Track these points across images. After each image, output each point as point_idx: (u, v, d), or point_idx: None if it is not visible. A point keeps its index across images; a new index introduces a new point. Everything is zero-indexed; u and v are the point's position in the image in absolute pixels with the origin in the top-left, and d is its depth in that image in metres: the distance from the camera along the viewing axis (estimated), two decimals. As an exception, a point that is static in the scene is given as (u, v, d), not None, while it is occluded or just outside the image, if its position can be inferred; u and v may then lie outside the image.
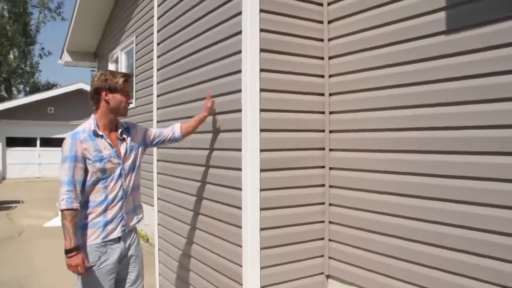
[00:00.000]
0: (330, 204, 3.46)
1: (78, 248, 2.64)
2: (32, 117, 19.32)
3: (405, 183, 2.88)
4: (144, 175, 6.81)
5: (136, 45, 7.81)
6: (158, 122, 4.71)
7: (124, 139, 2.99)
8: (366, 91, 3.18)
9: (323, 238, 3.49)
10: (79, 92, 19.14)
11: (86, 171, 2.75)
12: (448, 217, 2.61)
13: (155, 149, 4.81)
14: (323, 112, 3.48)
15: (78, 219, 2.71)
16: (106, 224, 2.82)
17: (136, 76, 7.71)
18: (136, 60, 7.78)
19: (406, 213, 2.88)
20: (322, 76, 3.47)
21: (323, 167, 3.48)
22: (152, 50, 6.43)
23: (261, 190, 3.14)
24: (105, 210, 2.82)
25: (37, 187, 16.63)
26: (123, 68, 8.86)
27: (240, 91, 3.17)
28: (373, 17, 3.11)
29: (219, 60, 3.48)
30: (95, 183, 2.79)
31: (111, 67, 9.62)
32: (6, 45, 28.56)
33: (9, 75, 29.34)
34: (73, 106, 19.10)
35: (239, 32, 3.19)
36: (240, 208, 3.17)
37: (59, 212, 2.67)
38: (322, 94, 3.47)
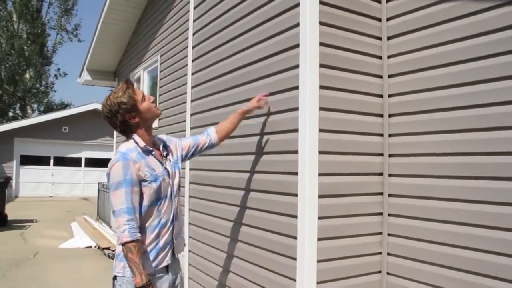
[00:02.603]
0: (388, 234, 3.17)
1: (151, 283, 2.37)
2: (46, 136, 19.27)
3: (473, 212, 2.60)
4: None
5: (161, 63, 7.63)
6: (192, 142, 4.47)
7: (167, 155, 2.71)
8: (429, 112, 2.92)
9: (380, 271, 3.18)
10: (94, 112, 19.09)
11: (141, 195, 2.47)
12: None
13: (187, 171, 4.54)
14: (381, 135, 3.21)
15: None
16: (158, 251, 2.54)
17: (160, 95, 7.50)
18: (160, 79, 7.59)
19: (475, 245, 2.59)
20: (381, 96, 3.22)
21: (381, 193, 3.20)
22: (181, 68, 6.25)
23: (319, 218, 2.86)
24: (157, 236, 2.53)
25: (50, 206, 16.42)
26: (145, 88, 8.68)
27: (297, 109, 2.92)
28: (436, 34, 2.87)
29: (271, 76, 3.25)
30: (151, 205, 2.50)
31: (133, 86, 9.45)
32: (23, 65, 28.78)
33: (24, 94, 29.48)
34: (88, 126, 19.08)
35: (297, 45, 2.96)
36: (295, 237, 2.89)
37: (119, 246, 2.40)
38: (381, 115, 3.22)
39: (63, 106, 33.20)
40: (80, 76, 11.55)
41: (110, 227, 10.40)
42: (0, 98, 29.12)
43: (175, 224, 2.65)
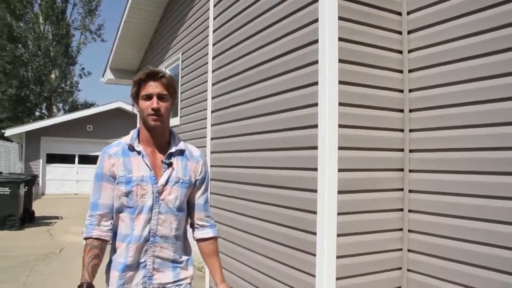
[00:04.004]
0: (409, 231, 3.14)
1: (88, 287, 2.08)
2: (71, 135, 19.57)
3: (498, 208, 2.55)
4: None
5: (182, 61, 7.69)
6: (212, 139, 4.50)
7: (171, 165, 2.15)
8: (451, 107, 2.89)
9: (400, 268, 3.15)
10: (118, 110, 19.31)
11: None
12: None
13: (208, 166, 4.56)
14: (402, 130, 3.18)
15: (100, 251, 2.11)
16: (125, 268, 2.12)
17: (181, 93, 7.56)
18: (182, 77, 7.64)
19: (498, 242, 2.54)
20: (402, 91, 3.19)
21: (402, 189, 3.17)
22: (201, 66, 6.29)
23: (338, 214, 2.85)
24: (127, 250, 2.11)
25: (75, 203, 16.67)
26: (167, 86, 8.75)
27: (316, 104, 2.92)
28: (458, 27, 2.83)
29: (290, 72, 3.25)
30: (120, 210, 2.11)
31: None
32: (48, 65, 29.32)
33: (50, 94, 30.04)
34: (112, 124, 19.28)
35: (316, 41, 2.95)
36: (314, 233, 2.88)
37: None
38: (402, 110, 3.18)
39: (87, 105, 33.70)
40: (103, 75, 11.71)
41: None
42: (27, 98, 29.73)
43: (156, 246, 2.12)
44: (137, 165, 2.09)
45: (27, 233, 9.90)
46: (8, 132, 18.43)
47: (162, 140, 2.16)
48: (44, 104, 30.99)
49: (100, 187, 2.11)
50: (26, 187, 10.95)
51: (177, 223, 2.17)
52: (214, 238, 2.28)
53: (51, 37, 29.59)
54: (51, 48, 29.19)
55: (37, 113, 31.13)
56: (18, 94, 28.57)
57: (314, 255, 2.89)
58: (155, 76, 2.08)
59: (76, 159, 20.55)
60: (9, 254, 7.60)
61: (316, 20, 2.95)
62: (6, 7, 27.10)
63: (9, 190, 9.99)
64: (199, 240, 2.27)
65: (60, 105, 32.78)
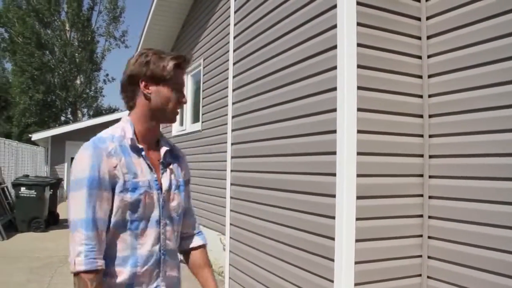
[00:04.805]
0: (429, 237, 3.11)
1: None
2: (95, 140, 19.87)
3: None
4: (213, 200, 6.67)
5: (204, 67, 7.77)
6: (232, 144, 4.53)
7: (169, 165, 1.80)
8: (471, 112, 2.85)
9: (420, 275, 3.13)
10: (141, 116, 19.57)
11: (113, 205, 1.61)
12: None
13: (228, 173, 4.61)
14: (421, 136, 3.16)
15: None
16: None
17: (203, 98, 7.64)
18: (203, 83, 7.72)
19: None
20: (421, 96, 3.17)
21: (421, 195, 3.15)
22: (222, 72, 6.36)
23: (357, 219, 2.85)
24: (131, 277, 1.62)
25: (98, 207, 16.95)
26: (189, 92, 8.85)
27: (334, 110, 2.93)
28: (479, 31, 2.80)
29: (308, 78, 3.27)
30: (119, 226, 1.61)
31: (177, 90, 9.65)
32: (74, 71, 29.93)
33: (75, 99, 30.63)
34: (135, 129, 19.54)
35: (334, 47, 2.96)
36: (333, 239, 2.89)
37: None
38: (421, 116, 3.17)
39: (111, 110, 34.21)
40: (127, 81, 11.89)
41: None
42: (53, 103, 30.37)
43: (167, 266, 1.73)
44: (140, 167, 1.66)
45: (52, 235, 10.11)
46: (35, 136, 18.88)
47: (155, 137, 1.80)
48: (70, 109, 31.62)
49: (95, 196, 1.53)
50: (51, 190, 11.19)
51: (177, 235, 1.82)
52: (204, 246, 1.97)
53: (76, 43, 30.25)
54: (76, 54, 29.83)
55: (62, 118, 31.73)
56: (44, 99, 29.22)
57: (333, 260, 2.89)
58: (186, 65, 1.78)
59: (100, 163, 20.86)
60: (34, 255, 7.79)
61: (335, 26, 2.97)
62: (35, 16, 27.80)
63: (35, 193, 10.22)
64: (191, 250, 1.93)
65: (85, 110, 33.36)
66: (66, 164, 19.78)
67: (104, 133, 1.68)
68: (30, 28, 27.06)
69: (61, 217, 12.04)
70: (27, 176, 11.77)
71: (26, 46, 27.19)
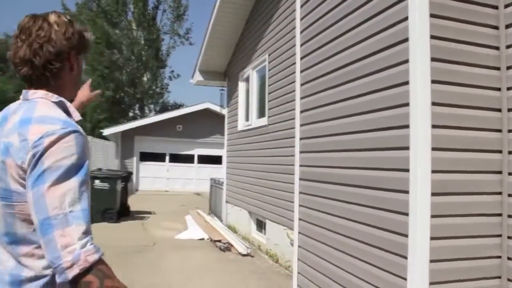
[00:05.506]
0: (508, 237, 2.98)
1: None
2: (162, 134, 20.52)
3: None
4: (279, 195, 6.72)
5: (269, 62, 7.81)
6: (301, 139, 4.53)
7: None
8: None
9: (499, 277, 3.00)
10: (206, 111, 19.96)
11: None
12: None
13: (296, 168, 4.61)
14: (500, 130, 3.02)
15: None
16: None
17: (269, 93, 7.69)
18: (269, 78, 7.77)
19: None
20: (499, 89, 3.03)
21: (500, 193, 3.01)
22: (289, 66, 6.36)
23: (432, 216, 2.77)
24: None
25: (166, 199, 17.50)
26: (254, 87, 8.91)
27: (407, 104, 2.86)
28: None
29: (379, 72, 3.21)
30: None
31: (242, 85, 9.77)
32: (141, 69, 31.03)
33: (142, 96, 31.76)
34: (200, 124, 20.02)
35: (405, 40, 2.89)
36: (406, 235, 2.83)
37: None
38: (499, 110, 3.02)
39: (177, 106, 35.13)
40: (192, 77, 12.16)
41: (221, 220, 10.86)
42: (122, 100, 31.65)
43: None
44: None
45: (123, 226, 10.58)
46: (106, 132, 19.81)
47: None
48: (137, 105, 32.79)
49: (87, 185, 1.36)
50: (123, 183, 11.68)
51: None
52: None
53: (143, 42, 31.28)
54: (143, 52, 30.87)
55: (130, 114, 32.96)
56: (114, 96, 30.50)
57: (406, 257, 2.83)
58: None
59: (167, 158, 21.53)
60: (108, 244, 8.18)
61: (406, 18, 2.89)
62: (104, 17, 29.08)
63: (108, 186, 10.73)
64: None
65: (152, 106, 34.46)
66: (135, 159, 20.61)
67: (57, 114, 1.41)
68: (100, 29, 28.29)
69: (131, 209, 12.57)
70: (100, 169, 12.37)
71: (97, 46, 28.48)
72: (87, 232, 1.28)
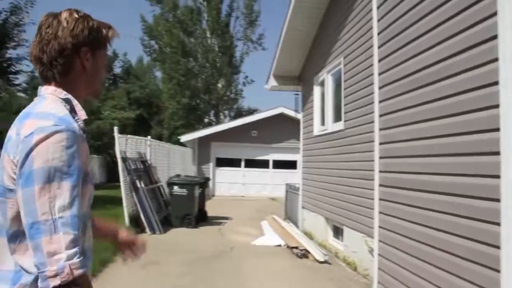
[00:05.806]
0: None
1: None
2: (237, 140, 20.81)
3: None
4: (357, 201, 6.56)
5: (344, 65, 7.67)
6: (381, 144, 4.39)
7: None
8: None
9: None
10: (280, 116, 20.02)
11: None
12: None
13: (376, 173, 4.48)
14: None
15: None
16: None
17: (345, 97, 7.55)
18: (344, 81, 7.63)
19: None
20: None
21: None
22: (365, 69, 6.21)
23: (528, 226, 2.57)
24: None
25: (242, 205, 17.71)
26: (329, 90, 8.80)
27: (497, 106, 2.68)
28: None
29: (464, 72, 3.04)
30: (86, 220, 1.47)
31: (317, 90, 9.68)
32: (215, 76, 31.76)
33: (217, 102, 32.47)
34: (274, 129, 20.10)
35: (494, 37, 2.71)
36: (498, 247, 2.64)
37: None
38: None
39: (251, 111, 35.51)
40: (267, 82, 12.24)
41: (297, 226, 10.80)
42: (197, 107, 32.54)
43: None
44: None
45: (201, 231, 10.81)
46: (183, 138, 20.44)
47: None
48: (212, 111, 33.55)
49: (79, 189, 1.31)
50: (200, 189, 11.95)
51: None
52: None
53: (217, 49, 31.99)
54: (217, 59, 31.57)
55: (206, 120, 33.78)
56: (190, 103, 31.43)
57: (498, 271, 2.64)
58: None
59: (242, 163, 21.79)
60: (188, 249, 8.42)
61: (495, 14, 2.71)
62: (180, 26, 30.14)
63: (186, 191, 11.02)
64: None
65: (226, 112, 35.10)
66: (211, 164, 21.07)
67: (56, 110, 1.38)
68: (176, 38, 29.28)
69: (209, 214, 12.83)
70: (178, 175, 12.74)
71: (173, 55, 29.51)
72: (75, 241, 1.25)
